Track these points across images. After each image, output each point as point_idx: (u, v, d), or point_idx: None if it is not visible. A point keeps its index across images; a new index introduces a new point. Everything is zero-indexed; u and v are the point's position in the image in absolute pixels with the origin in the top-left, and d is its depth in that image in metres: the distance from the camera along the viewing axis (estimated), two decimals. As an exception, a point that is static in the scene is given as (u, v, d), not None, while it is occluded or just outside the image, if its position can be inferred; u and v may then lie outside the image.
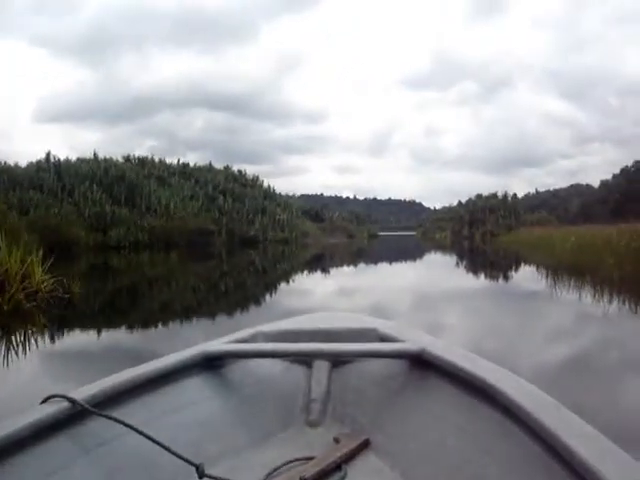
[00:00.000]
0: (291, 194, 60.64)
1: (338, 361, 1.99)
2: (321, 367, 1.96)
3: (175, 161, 47.08)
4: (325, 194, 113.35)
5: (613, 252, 16.14)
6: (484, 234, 50.59)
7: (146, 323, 7.00)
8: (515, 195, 56.86)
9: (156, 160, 45.83)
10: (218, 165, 48.94)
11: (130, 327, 6.75)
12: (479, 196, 56.09)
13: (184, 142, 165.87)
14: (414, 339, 1.92)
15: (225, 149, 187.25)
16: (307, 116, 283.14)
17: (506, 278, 13.55)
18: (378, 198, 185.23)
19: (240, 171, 48.87)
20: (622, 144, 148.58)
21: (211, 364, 1.89)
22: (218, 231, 37.80)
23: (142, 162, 44.63)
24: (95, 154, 41.49)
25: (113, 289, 11.59)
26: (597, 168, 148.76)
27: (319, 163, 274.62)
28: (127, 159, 44.80)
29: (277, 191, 50.46)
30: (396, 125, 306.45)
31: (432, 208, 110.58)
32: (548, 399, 1.36)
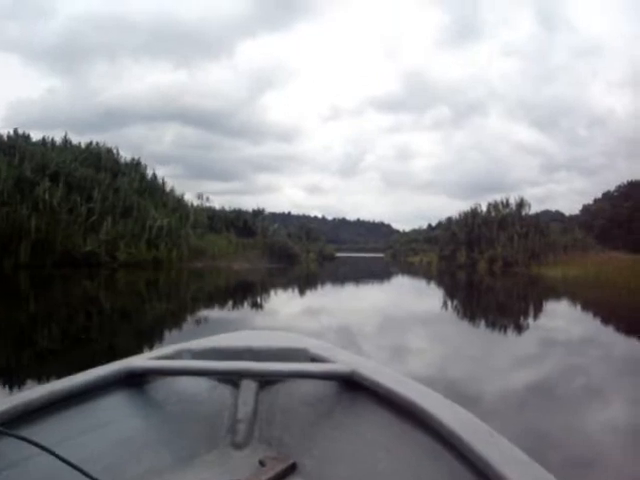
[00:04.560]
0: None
1: (266, 381, 1.87)
2: (248, 387, 1.83)
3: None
4: (293, 213, 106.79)
5: None
6: (492, 261, 32.75)
7: None
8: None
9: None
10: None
11: None
12: (458, 214, 38.19)
13: (155, 156, 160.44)
14: (345, 360, 1.84)
15: (196, 165, 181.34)
16: (279, 135, 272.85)
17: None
18: (347, 218, 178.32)
19: (110, 150, 30.55)
20: (589, 173, 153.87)
21: (133, 381, 1.76)
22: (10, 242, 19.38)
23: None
24: None
25: None
26: (564, 196, 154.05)
27: (289, 182, 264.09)
28: None
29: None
30: (368, 147, 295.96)
31: (401, 230, 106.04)
32: (482, 425, 1.32)
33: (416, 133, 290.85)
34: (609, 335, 9.42)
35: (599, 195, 75.53)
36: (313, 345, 2.07)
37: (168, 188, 31.65)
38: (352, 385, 1.72)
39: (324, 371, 1.77)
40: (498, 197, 53.97)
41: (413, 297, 17.53)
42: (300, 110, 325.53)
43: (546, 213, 75.32)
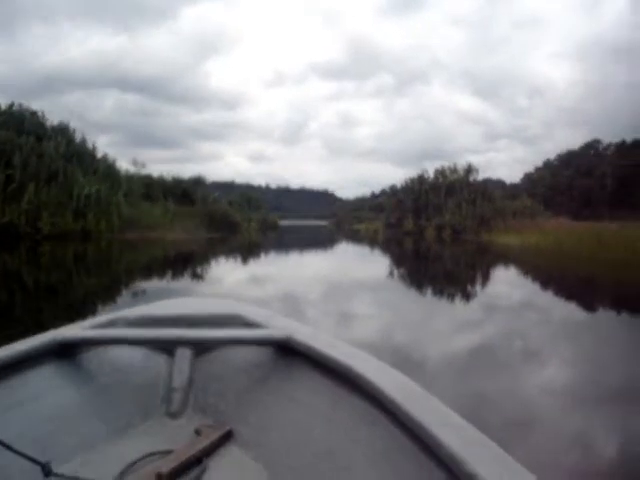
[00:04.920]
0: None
1: (201, 348, 1.86)
2: (184, 354, 1.82)
3: None
4: (237, 182, 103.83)
5: None
6: (441, 228, 31.95)
7: None
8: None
9: None
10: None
11: None
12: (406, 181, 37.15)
13: (95, 124, 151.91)
14: (280, 325, 1.87)
15: (138, 132, 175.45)
16: (223, 102, 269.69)
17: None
18: (291, 187, 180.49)
19: (35, 112, 28.09)
20: (528, 142, 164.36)
21: (65, 352, 1.73)
22: None
23: None
24: None
25: None
26: (505, 165, 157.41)
27: (233, 150, 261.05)
28: None
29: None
30: (311, 114, 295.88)
31: (345, 198, 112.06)
32: (416, 388, 1.32)
33: (359, 101, 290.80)
34: (553, 301, 9.46)
35: (539, 163, 79.16)
36: (248, 311, 2.05)
37: (100, 154, 29.39)
38: (287, 350, 1.70)
39: (259, 337, 1.76)
40: (439, 164, 54.48)
41: (359, 265, 17.15)
42: (244, 76, 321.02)
43: (488, 181, 77.65)
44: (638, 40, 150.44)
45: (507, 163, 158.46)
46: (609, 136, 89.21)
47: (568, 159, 73.04)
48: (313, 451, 1.39)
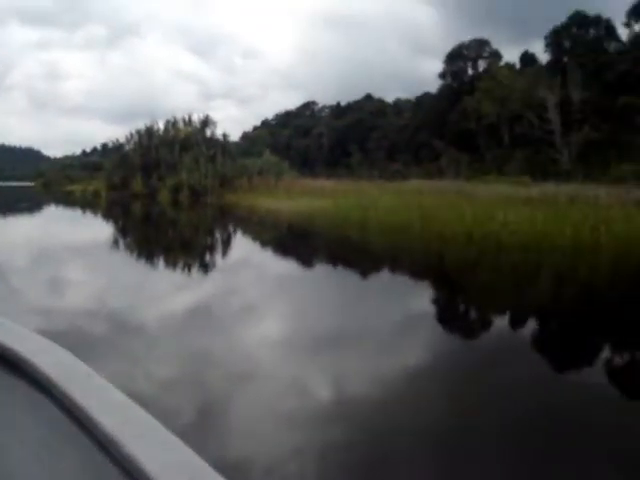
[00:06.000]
0: None
1: None
2: None
3: None
4: None
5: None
6: (177, 189, 27.77)
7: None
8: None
9: None
10: None
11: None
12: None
13: None
14: None
15: None
16: None
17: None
18: None
19: None
20: (243, 102, 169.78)
21: None
22: None
23: None
24: None
25: None
26: (221, 124, 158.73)
27: None
28: None
29: None
30: (12, 64, 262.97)
31: (53, 157, 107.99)
32: (80, 366, 1.24)
33: (68, 52, 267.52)
34: (281, 260, 11.25)
35: (258, 123, 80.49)
36: None
37: None
38: None
39: None
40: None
41: (77, 232, 16.51)
42: None
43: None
44: (352, 10, 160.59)
45: (223, 123, 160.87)
46: (323, 100, 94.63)
47: (286, 119, 75.08)
48: None
